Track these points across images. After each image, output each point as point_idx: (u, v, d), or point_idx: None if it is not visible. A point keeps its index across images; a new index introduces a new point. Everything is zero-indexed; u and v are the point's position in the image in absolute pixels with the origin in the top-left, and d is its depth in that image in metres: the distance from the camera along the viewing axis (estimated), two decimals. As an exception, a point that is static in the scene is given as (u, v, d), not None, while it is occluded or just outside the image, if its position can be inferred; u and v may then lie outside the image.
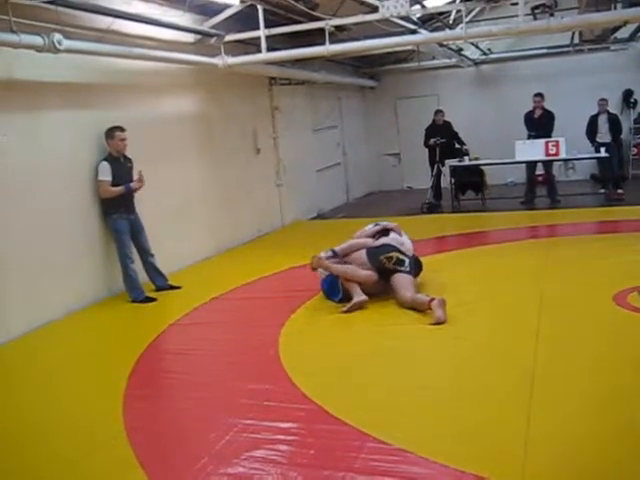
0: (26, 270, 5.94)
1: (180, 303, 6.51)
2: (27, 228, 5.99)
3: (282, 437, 3.54)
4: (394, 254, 5.86)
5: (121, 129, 6.66)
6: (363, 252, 5.99)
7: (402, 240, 6.24)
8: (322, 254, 6.10)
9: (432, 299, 5.32)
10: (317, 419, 3.72)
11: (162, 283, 7.06)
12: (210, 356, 5.05)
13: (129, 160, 6.82)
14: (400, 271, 5.82)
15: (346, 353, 4.83)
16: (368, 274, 5.85)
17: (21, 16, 5.56)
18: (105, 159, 6.62)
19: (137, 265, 6.84)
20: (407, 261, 5.92)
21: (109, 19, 6.64)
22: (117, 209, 6.67)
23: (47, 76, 6.23)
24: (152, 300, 6.68)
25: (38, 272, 6.06)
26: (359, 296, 5.73)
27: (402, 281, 5.77)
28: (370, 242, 6.17)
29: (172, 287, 7.06)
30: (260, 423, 3.72)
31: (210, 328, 5.75)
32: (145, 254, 6.94)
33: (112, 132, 6.64)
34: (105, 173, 6.57)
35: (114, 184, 6.59)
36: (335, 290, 6.01)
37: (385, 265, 5.82)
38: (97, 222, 6.78)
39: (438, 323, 5.15)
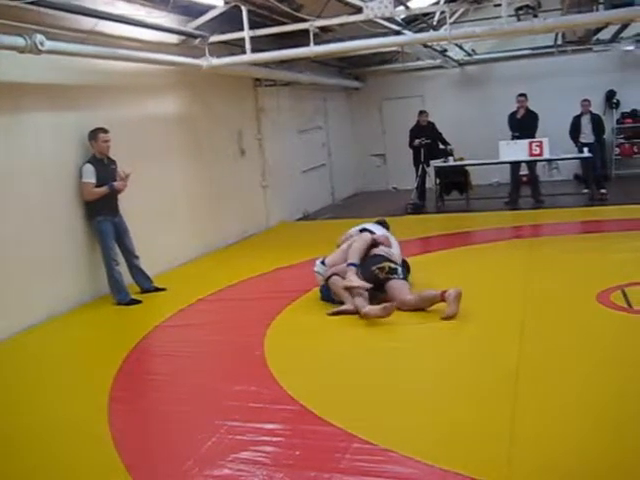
0: (9, 272, 5.89)
1: (165, 305, 6.49)
2: (9, 230, 5.94)
3: (268, 438, 3.53)
4: (386, 264, 5.82)
5: (104, 130, 6.63)
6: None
7: (391, 251, 6.24)
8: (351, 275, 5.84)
9: (445, 290, 5.31)
10: (303, 420, 3.72)
11: (147, 285, 7.03)
12: (195, 358, 5.04)
13: (113, 162, 6.78)
14: (394, 278, 5.80)
15: (332, 354, 4.84)
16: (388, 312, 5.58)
17: (2, 17, 5.52)
18: (89, 161, 6.59)
19: (122, 267, 6.81)
20: (400, 269, 5.92)
21: (92, 20, 6.60)
22: (101, 211, 6.63)
23: (29, 77, 6.19)
24: (137, 302, 6.65)
25: (21, 274, 6.01)
26: (350, 305, 5.65)
27: (399, 285, 5.74)
28: (370, 239, 6.08)
29: (157, 289, 7.04)
30: (246, 424, 3.71)
31: (195, 330, 5.73)
32: (130, 256, 6.91)
33: (95, 134, 6.60)
34: (89, 175, 6.54)
35: (98, 186, 6.56)
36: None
37: (378, 276, 5.77)
38: (81, 224, 6.74)
39: (448, 318, 5.18)
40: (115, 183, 6.63)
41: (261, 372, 4.50)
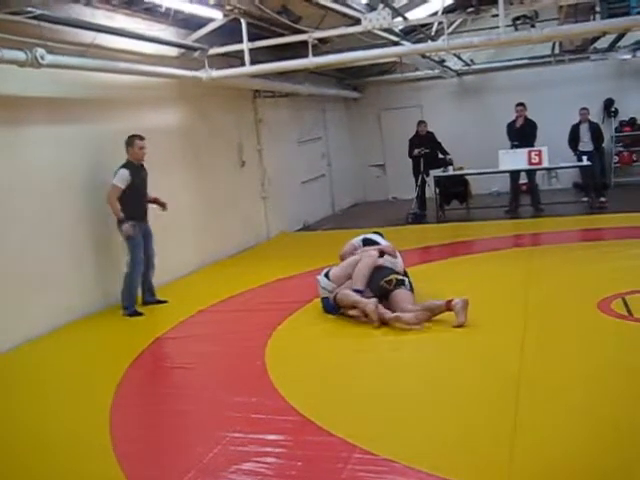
0: (12, 284, 5.90)
1: (167, 316, 6.49)
2: (12, 242, 5.96)
3: (270, 449, 3.53)
4: (393, 277, 5.84)
5: (140, 137, 6.69)
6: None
7: (395, 261, 6.24)
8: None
9: (451, 300, 5.31)
10: (304, 431, 3.72)
11: (150, 298, 6.99)
12: (197, 369, 5.04)
13: (144, 168, 6.82)
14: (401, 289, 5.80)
15: (333, 364, 4.84)
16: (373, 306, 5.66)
17: (3, 31, 5.56)
18: (125, 166, 6.58)
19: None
20: (407, 281, 5.93)
21: (92, 34, 6.64)
22: (132, 216, 6.57)
23: (30, 91, 6.22)
24: (139, 315, 6.62)
25: (25, 286, 6.03)
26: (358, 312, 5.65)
27: (404, 296, 5.73)
28: (375, 259, 5.99)
29: (159, 301, 7.02)
30: (247, 436, 3.71)
31: (197, 341, 5.73)
32: (148, 264, 6.87)
33: (132, 140, 6.66)
34: (121, 181, 6.50)
35: (133, 190, 6.55)
36: (335, 308, 5.98)
37: (387, 289, 5.78)
38: (84, 235, 6.76)
39: (458, 327, 5.20)
40: (124, 227, 6.47)
41: (262, 383, 4.50)
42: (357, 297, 5.71)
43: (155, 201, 7.01)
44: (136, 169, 6.66)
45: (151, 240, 6.90)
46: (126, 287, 6.67)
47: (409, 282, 5.97)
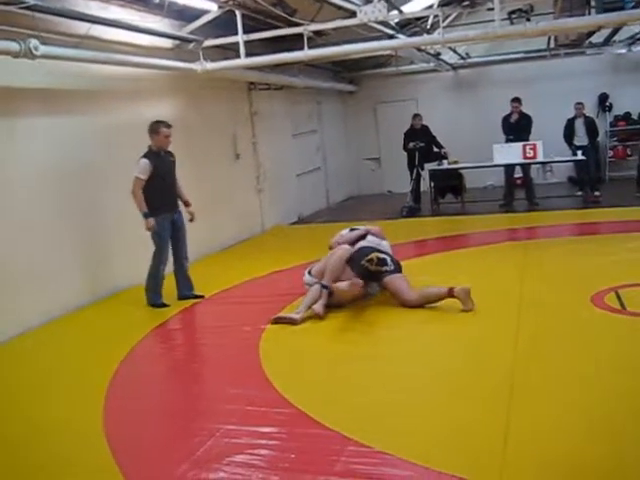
0: (5, 276, 5.89)
1: (161, 309, 6.47)
2: (5, 234, 5.94)
3: (263, 442, 3.53)
4: (373, 255, 5.86)
5: (167, 125, 6.37)
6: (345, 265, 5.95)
7: (381, 242, 6.26)
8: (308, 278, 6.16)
9: (452, 288, 5.44)
10: (298, 423, 3.73)
11: (188, 292, 6.75)
12: (190, 361, 5.05)
13: (170, 154, 6.55)
14: (386, 271, 5.81)
15: (326, 357, 4.84)
16: (356, 289, 5.73)
17: (-3, 22, 5.54)
18: (146, 155, 6.30)
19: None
20: (389, 259, 5.94)
21: (87, 25, 6.61)
22: (160, 209, 6.34)
23: (24, 82, 6.19)
24: (166, 306, 6.46)
25: (18, 278, 6.01)
26: (296, 314, 5.62)
27: (399, 282, 5.78)
28: (347, 252, 5.98)
29: (196, 296, 6.75)
30: (241, 428, 3.72)
31: (191, 333, 5.75)
32: (179, 257, 6.69)
33: (157, 127, 6.33)
34: (142, 171, 6.22)
35: (157, 179, 6.28)
36: None
37: (369, 268, 5.80)
38: (79, 226, 6.74)
39: (468, 311, 5.35)
40: (148, 222, 6.26)
41: (256, 376, 4.50)
42: (308, 296, 5.76)
43: (186, 204, 6.74)
44: (159, 157, 6.35)
45: (183, 233, 6.66)
46: (150, 278, 6.51)
47: (392, 262, 5.95)
